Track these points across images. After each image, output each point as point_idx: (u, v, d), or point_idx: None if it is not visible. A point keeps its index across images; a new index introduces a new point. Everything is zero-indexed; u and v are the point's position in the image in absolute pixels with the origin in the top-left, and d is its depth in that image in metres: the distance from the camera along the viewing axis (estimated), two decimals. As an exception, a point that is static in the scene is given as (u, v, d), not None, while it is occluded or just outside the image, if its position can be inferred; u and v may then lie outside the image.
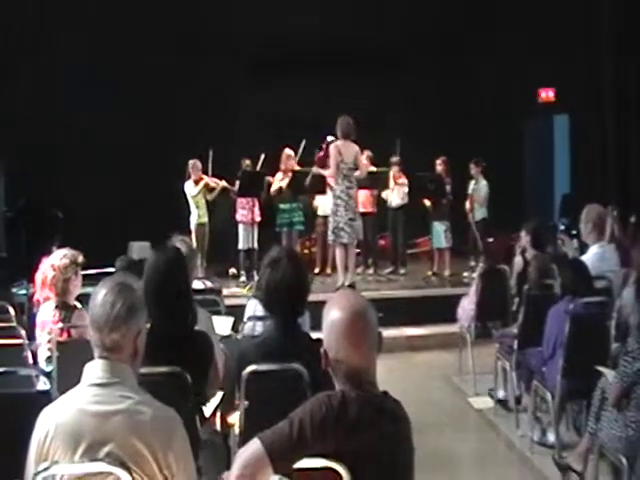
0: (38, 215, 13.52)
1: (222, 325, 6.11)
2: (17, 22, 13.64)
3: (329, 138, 11.89)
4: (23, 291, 10.39)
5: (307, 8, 15.29)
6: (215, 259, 13.47)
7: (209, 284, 10.88)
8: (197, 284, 7.21)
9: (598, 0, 14.03)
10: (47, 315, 5.63)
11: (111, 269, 11.30)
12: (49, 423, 2.91)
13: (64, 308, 5.58)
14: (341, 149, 11.11)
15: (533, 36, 15.56)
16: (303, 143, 12.54)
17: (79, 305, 5.66)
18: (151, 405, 2.98)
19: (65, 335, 5.46)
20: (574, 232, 10.89)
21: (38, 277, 5.74)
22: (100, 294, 3.03)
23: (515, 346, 7.08)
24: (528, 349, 6.86)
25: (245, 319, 5.60)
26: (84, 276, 6.00)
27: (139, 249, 14.92)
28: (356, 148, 11.26)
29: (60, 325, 5.48)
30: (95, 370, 2.98)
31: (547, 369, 6.36)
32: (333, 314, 2.99)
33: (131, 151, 14.87)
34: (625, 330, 5.91)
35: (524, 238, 8.35)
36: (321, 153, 12.64)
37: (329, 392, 2.92)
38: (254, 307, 5.57)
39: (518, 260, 8.41)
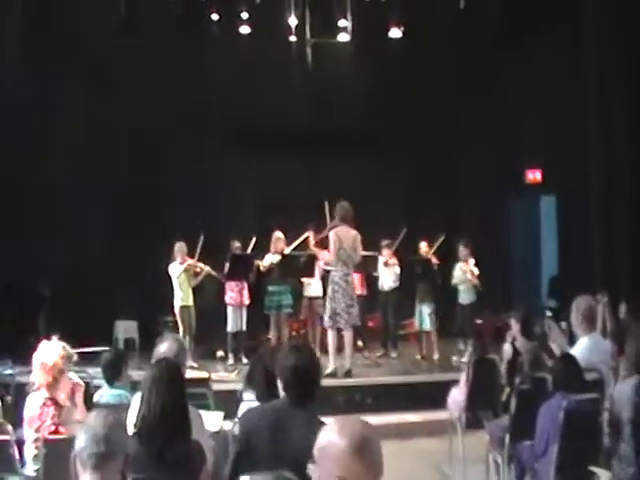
0: (24, 292, 13.45)
1: (212, 420, 6.04)
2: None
3: (330, 224, 11.90)
4: (8, 371, 10.30)
5: (296, 91, 15.43)
6: (202, 340, 13.33)
7: (195, 365, 10.90)
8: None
9: (585, 82, 14.15)
10: (35, 409, 5.53)
11: (96, 348, 11.32)
12: None
13: (53, 405, 5.49)
14: (340, 235, 11.15)
15: (520, 117, 15.73)
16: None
17: (67, 402, 5.57)
18: None
19: (54, 432, 5.36)
20: (561, 315, 10.86)
21: (37, 360, 5.63)
22: (88, 430, 3.04)
23: (507, 440, 7.01)
24: (520, 443, 6.79)
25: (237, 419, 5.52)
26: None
27: (125, 328, 14.90)
28: (355, 234, 11.30)
29: (48, 422, 5.38)
30: None
31: (539, 465, 6.29)
32: (334, 441, 2.85)
33: (118, 229, 14.91)
34: (617, 425, 5.90)
35: (514, 326, 8.33)
36: (319, 235, 12.63)
37: None
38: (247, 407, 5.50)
39: (507, 348, 8.38)
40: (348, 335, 11.35)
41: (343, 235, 11.17)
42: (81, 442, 3.09)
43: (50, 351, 5.57)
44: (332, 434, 2.88)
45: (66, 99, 14.39)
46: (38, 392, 5.65)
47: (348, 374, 11.24)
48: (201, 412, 5.57)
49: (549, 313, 13.45)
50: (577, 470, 5.70)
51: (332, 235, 11.29)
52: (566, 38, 14.46)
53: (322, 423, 4.07)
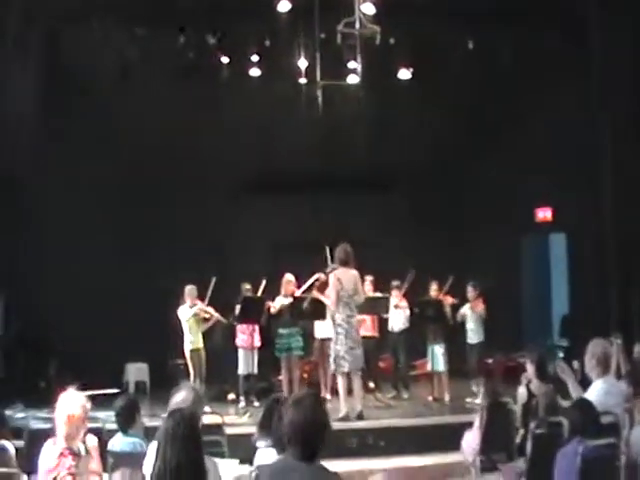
0: (35, 338, 13.46)
1: (227, 469, 5.99)
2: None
3: (330, 266, 11.88)
4: (20, 414, 10.30)
5: (306, 132, 15.50)
6: (214, 383, 13.31)
7: (207, 409, 10.84)
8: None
9: (596, 120, 14.18)
10: (52, 460, 5.45)
11: (108, 390, 11.30)
12: None
13: (70, 455, 5.42)
14: (340, 277, 11.15)
15: (530, 156, 15.78)
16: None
17: (83, 451, 5.53)
18: None
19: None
20: (573, 355, 10.81)
21: (62, 412, 5.58)
22: None
23: (523, 486, 6.96)
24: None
25: (254, 468, 5.48)
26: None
27: (136, 371, 14.89)
28: (355, 275, 11.28)
29: (64, 473, 5.32)
30: None
31: (557, 513, 6.21)
32: None
33: (129, 272, 14.93)
34: (634, 469, 5.85)
35: (529, 368, 8.29)
36: (323, 278, 12.60)
37: None
38: (263, 457, 5.47)
39: (522, 391, 8.33)
40: (356, 378, 11.30)
41: (343, 277, 11.18)
42: None
43: (73, 402, 5.53)
44: None
45: (76, 143, 14.48)
46: (55, 442, 5.59)
47: (360, 416, 11.17)
48: (216, 460, 5.54)
49: (561, 354, 13.37)
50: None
51: (332, 278, 11.34)
52: (577, 78, 14.55)
53: (329, 474, 4.10)
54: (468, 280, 13.46)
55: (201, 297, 12.62)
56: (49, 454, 5.53)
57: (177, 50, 14.51)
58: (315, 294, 12.50)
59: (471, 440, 8.60)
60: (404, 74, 15.28)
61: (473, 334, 13.41)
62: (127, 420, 6.50)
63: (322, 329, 13.13)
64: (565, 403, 7.39)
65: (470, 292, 13.39)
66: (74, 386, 6.17)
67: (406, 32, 14.65)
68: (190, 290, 12.62)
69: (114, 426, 6.69)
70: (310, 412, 4.22)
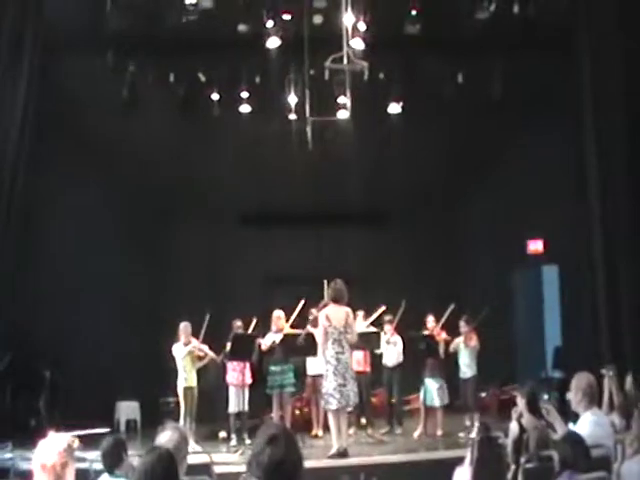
0: (24, 373, 13.37)
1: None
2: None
3: (322, 303, 11.86)
4: (8, 455, 10.17)
5: (298, 168, 15.52)
6: (204, 421, 13.23)
7: (198, 448, 10.76)
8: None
9: (585, 151, 14.20)
10: None
11: (98, 430, 11.21)
12: None
13: None
14: (329, 315, 11.11)
15: (521, 188, 15.83)
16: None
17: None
18: None
19: None
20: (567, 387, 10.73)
21: (36, 462, 5.46)
22: None
23: (515, 521, 6.88)
24: (528, 523, 6.68)
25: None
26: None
27: (126, 409, 14.81)
28: (346, 311, 11.21)
29: None
30: None
31: None
32: None
33: (121, 309, 14.92)
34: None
35: (520, 402, 8.23)
36: (315, 314, 12.56)
37: None
38: None
39: (514, 426, 8.23)
40: (342, 416, 11.18)
41: (333, 314, 11.12)
42: None
43: (48, 450, 5.38)
44: None
45: (69, 178, 14.49)
46: None
47: (343, 454, 11.00)
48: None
49: (545, 396, 13.26)
50: None
51: (321, 315, 11.31)
52: (566, 108, 14.58)
53: None
54: (461, 313, 13.43)
55: (195, 334, 12.57)
56: None
57: (169, 85, 14.58)
58: (309, 329, 12.46)
59: (462, 476, 8.53)
60: (394, 108, 15.35)
61: (466, 368, 13.34)
62: (114, 460, 6.43)
63: (314, 365, 13.07)
64: (556, 437, 7.33)
65: (463, 326, 13.34)
66: (57, 429, 6.10)
67: (395, 66, 14.76)
68: (184, 327, 12.53)
69: (102, 467, 6.63)
70: (288, 451, 3.97)
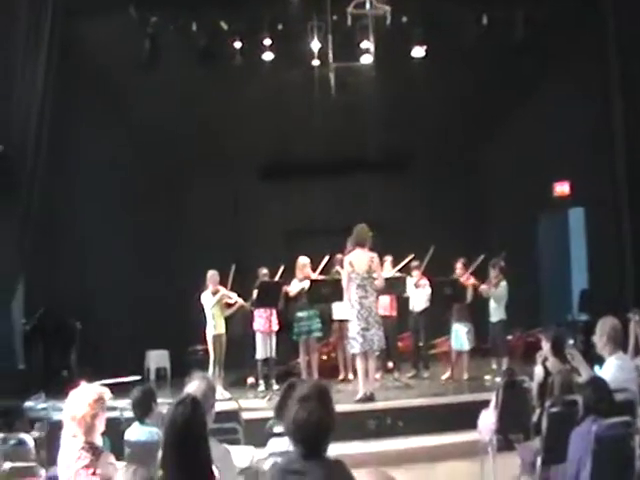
0: (55, 326, 13.55)
1: (241, 456, 6.06)
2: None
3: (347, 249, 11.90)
4: (41, 405, 10.36)
5: (320, 115, 15.42)
6: (232, 368, 13.40)
7: (227, 395, 10.90)
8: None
9: (612, 91, 14.07)
10: (71, 456, 5.37)
11: (128, 378, 11.38)
12: None
13: (90, 450, 5.38)
14: (352, 260, 11.17)
15: (547, 130, 15.69)
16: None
17: (101, 443, 5.53)
18: None
19: (90, 475, 5.30)
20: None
21: (66, 413, 5.58)
22: None
23: (539, 463, 6.96)
24: (552, 466, 6.74)
25: (266, 455, 5.53)
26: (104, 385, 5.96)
27: (156, 357, 15.01)
28: (370, 256, 11.26)
29: (84, 467, 5.32)
30: None
31: (572, 491, 6.23)
32: None
33: (149, 259, 15.01)
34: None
35: (544, 346, 8.28)
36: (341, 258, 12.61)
37: None
38: (276, 444, 5.52)
39: (539, 370, 8.30)
40: (370, 359, 11.30)
41: (356, 259, 11.17)
42: None
43: (78, 400, 5.48)
44: None
45: (90, 130, 14.51)
46: (76, 435, 5.47)
47: (370, 398, 11.13)
48: (231, 448, 5.60)
49: (571, 341, 13.28)
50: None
51: (345, 261, 11.37)
52: (591, 49, 14.42)
53: (339, 466, 4.08)
54: (489, 258, 13.43)
55: (223, 283, 12.66)
56: (68, 449, 5.46)
57: (190, 36, 14.51)
58: (338, 269, 12.47)
59: (488, 419, 8.63)
60: (418, 52, 15.18)
61: (494, 312, 13.37)
62: (143, 410, 6.57)
63: (340, 310, 13.17)
64: (581, 381, 7.37)
65: (491, 271, 13.36)
66: (88, 379, 6.20)
67: (418, 10, 14.57)
68: (212, 275, 12.59)
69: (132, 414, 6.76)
70: (314, 413, 4.06)
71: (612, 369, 7.23)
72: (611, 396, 6.42)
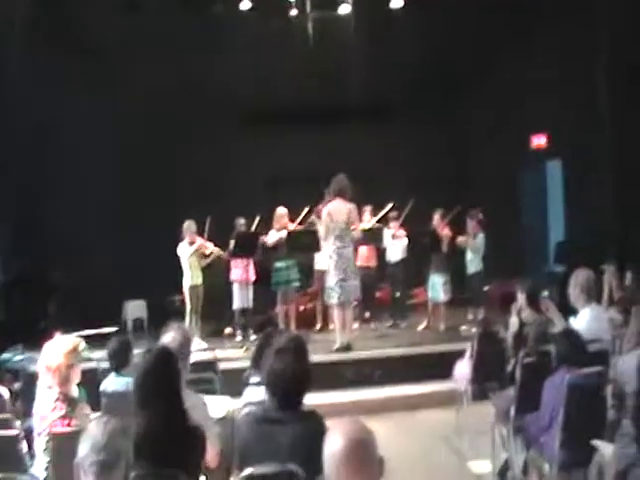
0: (34, 278, 13.50)
1: (218, 406, 6.09)
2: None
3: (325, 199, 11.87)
4: (19, 357, 10.34)
5: (299, 65, 15.31)
6: (210, 318, 13.43)
7: (204, 344, 10.93)
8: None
9: (592, 43, 13.99)
10: (46, 406, 5.40)
11: (106, 329, 11.37)
12: None
13: (66, 401, 5.39)
14: (331, 210, 11.16)
15: (525, 82, 15.63)
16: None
17: (76, 393, 5.55)
18: None
19: (66, 425, 5.32)
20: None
21: (41, 364, 5.59)
22: (88, 439, 3.06)
23: (512, 412, 7.04)
24: (526, 415, 6.82)
25: (242, 404, 5.55)
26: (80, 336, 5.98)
27: (133, 308, 15.00)
28: (349, 207, 11.25)
29: (59, 417, 5.33)
30: None
31: (545, 440, 6.31)
32: (332, 444, 2.96)
33: (126, 209, 14.95)
34: (621, 398, 5.90)
35: (520, 297, 8.33)
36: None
37: None
38: (252, 394, 5.55)
39: (514, 320, 8.37)
40: (347, 310, 11.37)
41: (335, 210, 11.17)
42: (82, 450, 3.11)
43: (53, 351, 5.48)
44: (329, 441, 2.98)
45: (70, 83, 14.35)
46: (51, 386, 5.50)
47: (347, 348, 11.24)
48: (207, 398, 5.63)
49: (546, 293, 13.37)
50: (581, 444, 5.73)
51: (324, 211, 11.34)
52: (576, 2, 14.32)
53: (313, 416, 4.12)
54: (466, 210, 13.46)
55: (200, 233, 12.65)
56: (44, 400, 5.48)
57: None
58: (315, 220, 12.44)
59: (463, 369, 8.72)
60: (396, 2, 15.06)
61: (471, 263, 13.46)
62: (120, 360, 6.57)
63: (322, 261, 13.19)
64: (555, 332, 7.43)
65: (468, 222, 13.40)
66: (65, 331, 6.20)
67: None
68: (188, 225, 12.57)
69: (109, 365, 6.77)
70: (290, 365, 4.16)
71: (585, 320, 7.33)
72: (584, 346, 6.49)
